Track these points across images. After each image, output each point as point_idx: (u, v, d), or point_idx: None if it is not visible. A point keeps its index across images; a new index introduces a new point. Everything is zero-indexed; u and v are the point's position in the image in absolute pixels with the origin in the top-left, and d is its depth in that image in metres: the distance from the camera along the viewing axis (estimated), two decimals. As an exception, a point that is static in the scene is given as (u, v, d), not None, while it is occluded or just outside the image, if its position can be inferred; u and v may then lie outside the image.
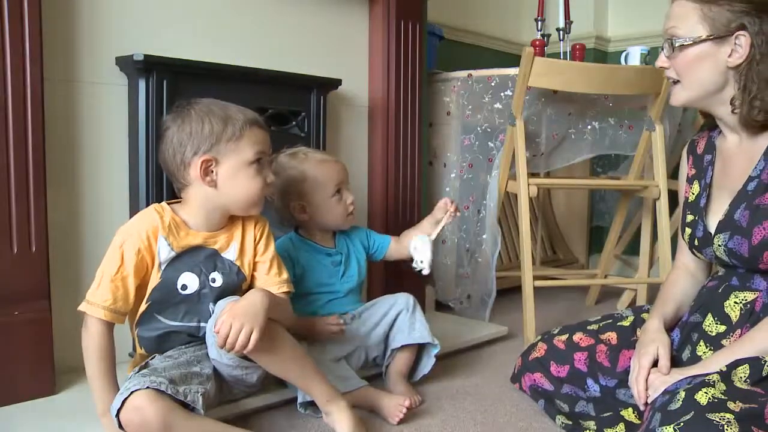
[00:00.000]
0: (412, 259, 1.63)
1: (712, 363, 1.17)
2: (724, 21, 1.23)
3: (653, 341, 1.29)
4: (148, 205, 1.53)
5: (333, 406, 1.33)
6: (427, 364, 1.64)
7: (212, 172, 1.29)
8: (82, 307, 1.24)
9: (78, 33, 1.51)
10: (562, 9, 2.97)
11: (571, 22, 2.97)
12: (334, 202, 1.61)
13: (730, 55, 1.24)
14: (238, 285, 1.37)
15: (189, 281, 1.31)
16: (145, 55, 1.50)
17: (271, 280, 1.40)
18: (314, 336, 1.55)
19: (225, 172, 1.30)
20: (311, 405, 1.41)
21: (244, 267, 1.39)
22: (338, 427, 1.32)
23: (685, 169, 1.46)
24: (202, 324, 1.34)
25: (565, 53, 2.94)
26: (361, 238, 1.72)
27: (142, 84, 1.54)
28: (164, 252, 1.28)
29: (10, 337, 1.36)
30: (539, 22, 2.92)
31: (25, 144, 1.37)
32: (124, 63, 1.55)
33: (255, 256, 1.41)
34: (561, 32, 2.97)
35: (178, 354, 1.32)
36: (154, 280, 1.29)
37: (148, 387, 1.13)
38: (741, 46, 1.22)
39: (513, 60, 2.78)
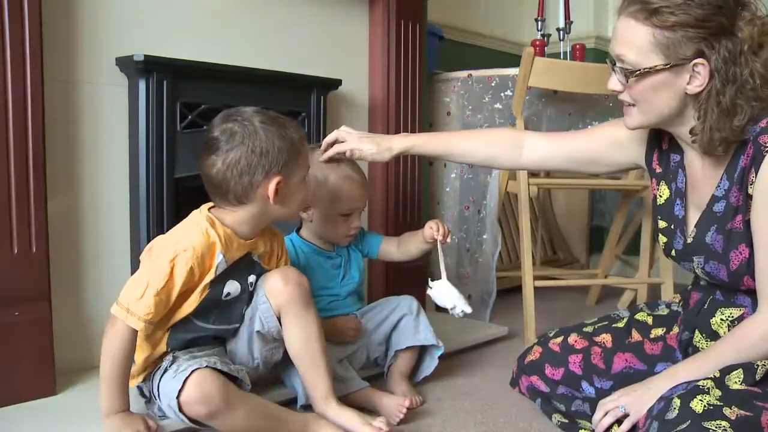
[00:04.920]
0: (446, 308, 1.53)
1: (681, 374, 1.16)
2: (679, 48, 1.11)
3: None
4: (148, 206, 1.54)
5: (332, 404, 1.33)
6: (430, 365, 1.64)
7: (280, 191, 1.29)
8: (119, 314, 1.19)
9: (78, 33, 1.51)
10: (562, 9, 2.97)
11: (571, 22, 2.98)
12: (339, 221, 1.59)
13: (688, 83, 1.14)
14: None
15: (232, 289, 1.32)
16: (145, 56, 1.50)
17: None
18: (332, 336, 1.54)
19: (289, 190, 1.31)
20: (311, 408, 1.41)
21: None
22: (347, 423, 1.30)
23: (644, 156, 1.37)
24: (231, 326, 1.36)
25: (565, 53, 2.94)
26: (355, 239, 1.71)
27: (142, 84, 1.54)
28: (221, 266, 1.28)
29: (10, 338, 1.36)
30: (539, 22, 2.92)
31: (26, 145, 1.37)
32: (124, 63, 1.55)
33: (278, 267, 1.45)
34: (561, 32, 2.97)
35: (199, 350, 1.32)
36: (205, 290, 1.27)
37: (206, 366, 1.20)
38: (700, 74, 1.12)
39: (513, 60, 2.78)
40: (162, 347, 1.31)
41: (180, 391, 1.18)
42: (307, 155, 1.36)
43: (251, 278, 1.36)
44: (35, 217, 1.39)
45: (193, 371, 1.18)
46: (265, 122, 1.27)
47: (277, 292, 1.32)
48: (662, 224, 1.34)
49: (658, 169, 1.35)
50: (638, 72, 1.15)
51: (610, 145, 1.42)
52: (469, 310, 1.50)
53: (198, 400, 1.17)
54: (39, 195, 1.39)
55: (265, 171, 1.26)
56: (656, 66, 1.13)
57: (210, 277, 1.26)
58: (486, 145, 1.52)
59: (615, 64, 1.20)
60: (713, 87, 1.12)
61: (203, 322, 1.32)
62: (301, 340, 1.34)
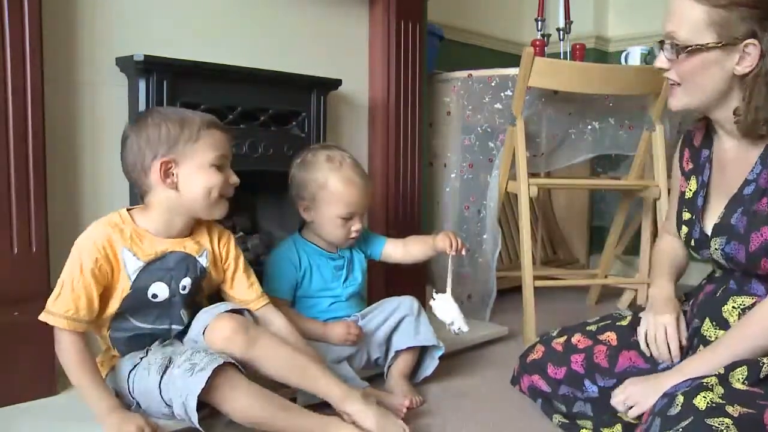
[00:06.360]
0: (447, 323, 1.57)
1: (690, 371, 1.16)
2: (732, 27, 1.14)
3: (669, 308, 1.32)
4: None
5: (349, 405, 1.30)
6: (430, 365, 1.64)
7: (172, 174, 1.30)
8: (42, 317, 1.24)
9: (78, 33, 1.51)
10: (562, 9, 2.98)
11: (571, 22, 2.98)
12: (339, 223, 1.59)
13: (738, 63, 1.17)
14: (200, 282, 1.38)
15: (159, 290, 1.32)
16: (145, 55, 1.50)
17: (251, 296, 1.44)
18: (332, 340, 1.55)
19: (185, 174, 1.30)
20: (310, 407, 1.40)
21: (213, 275, 1.40)
22: (368, 424, 1.28)
23: (677, 160, 1.43)
24: (173, 326, 1.36)
25: (565, 53, 2.94)
26: (358, 240, 1.71)
27: (142, 84, 1.53)
28: (131, 263, 1.29)
29: (10, 338, 1.36)
30: (539, 22, 2.92)
31: (26, 144, 1.37)
32: (124, 63, 1.55)
33: (225, 270, 1.43)
34: (561, 32, 2.97)
35: (173, 347, 1.33)
36: (125, 289, 1.29)
37: (224, 362, 1.21)
38: (750, 54, 1.15)
39: (513, 60, 2.78)
40: (113, 351, 1.33)
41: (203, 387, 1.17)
42: (216, 142, 1.32)
43: (185, 281, 1.34)
44: (35, 217, 1.39)
45: (214, 369, 1.19)
46: (161, 112, 1.33)
47: (219, 353, 1.28)
48: (686, 216, 1.37)
49: (689, 167, 1.39)
50: (690, 48, 1.17)
51: None
52: (466, 329, 1.55)
53: (225, 394, 1.19)
54: (39, 195, 1.40)
55: (153, 154, 1.29)
56: (708, 43, 1.16)
57: (123, 272, 1.28)
58: (681, 257, 1.49)
59: (663, 43, 1.23)
60: (762, 68, 1.15)
61: (141, 322, 1.33)
62: (284, 369, 1.30)
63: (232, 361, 1.24)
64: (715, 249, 1.28)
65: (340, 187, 1.57)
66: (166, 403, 1.23)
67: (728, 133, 1.28)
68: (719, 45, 1.16)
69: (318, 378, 1.31)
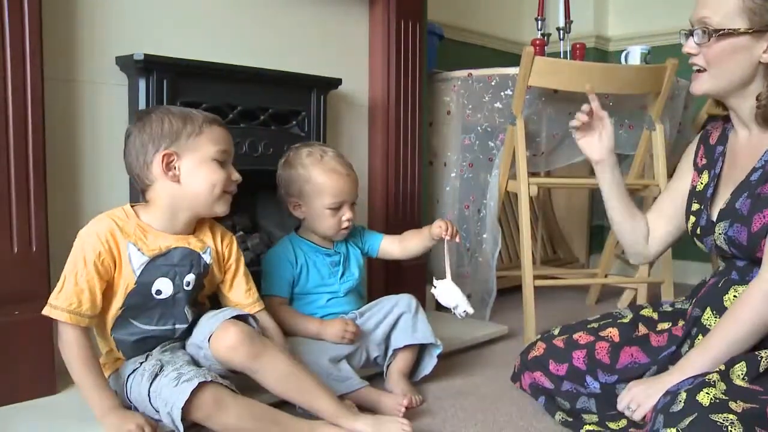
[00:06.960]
0: (449, 308, 1.56)
1: (689, 366, 1.18)
2: (765, 15, 1.20)
3: None
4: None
5: (341, 422, 1.29)
6: (429, 364, 1.64)
7: (174, 167, 1.31)
8: (45, 311, 1.24)
9: (78, 33, 1.52)
10: (562, 8, 2.97)
11: (572, 21, 2.97)
12: (329, 214, 1.60)
13: (765, 51, 1.22)
14: (202, 278, 1.38)
15: (163, 286, 1.32)
16: (145, 55, 1.50)
17: (247, 300, 1.44)
18: (329, 338, 1.55)
19: (187, 167, 1.31)
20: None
21: (215, 272, 1.41)
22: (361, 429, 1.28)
23: (691, 156, 1.47)
24: (177, 326, 1.35)
25: (565, 52, 2.94)
26: (355, 237, 1.72)
27: (142, 84, 1.54)
28: (136, 258, 1.29)
29: (10, 337, 1.36)
30: (539, 22, 2.92)
31: (26, 144, 1.37)
32: (124, 63, 1.55)
33: (227, 271, 1.43)
34: (561, 31, 2.97)
35: (171, 353, 1.32)
36: (129, 285, 1.29)
37: (212, 380, 1.19)
38: None
39: (513, 59, 2.78)
40: (114, 350, 1.33)
41: (186, 399, 1.16)
42: (218, 137, 1.34)
43: (189, 277, 1.34)
44: (35, 216, 1.39)
45: (200, 383, 1.17)
46: (163, 108, 1.35)
47: (222, 361, 1.29)
48: (695, 207, 1.40)
49: (702, 162, 1.43)
50: (721, 32, 1.22)
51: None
52: (471, 310, 1.53)
53: (211, 412, 1.18)
54: (39, 194, 1.40)
55: (156, 148, 1.30)
56: (739, 29, 1.21)
57: (128, 267, 1.28)
58: (633, 229, 1.55)
59: (693, 30, 1.27)
60: None
61: (145, 324, 1.32)
62: (281, 383, 1.30)
63: (221, 381, 1.22)
64: (719, 234, 1.30)
65: (324, 177, 1.59)
66: (155, 410, 1.23)
67: (743, 123, 1.32)
68: (750, 31, 1.21)
69: (311, 391, 1.30)
